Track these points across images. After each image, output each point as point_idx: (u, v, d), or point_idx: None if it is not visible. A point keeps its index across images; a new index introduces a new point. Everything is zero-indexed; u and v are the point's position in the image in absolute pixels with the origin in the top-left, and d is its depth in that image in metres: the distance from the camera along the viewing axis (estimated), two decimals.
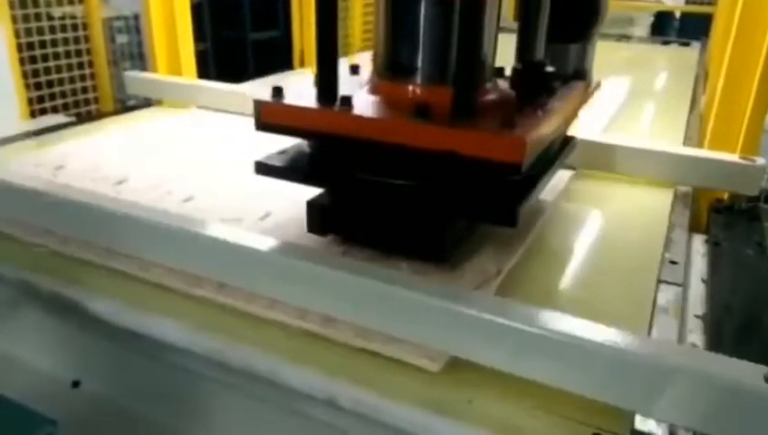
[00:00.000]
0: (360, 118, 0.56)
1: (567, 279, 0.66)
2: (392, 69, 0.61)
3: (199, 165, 0.90)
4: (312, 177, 0.63)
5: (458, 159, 0.52)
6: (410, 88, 0.60)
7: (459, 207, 0.58)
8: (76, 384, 0.65)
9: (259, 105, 0.61)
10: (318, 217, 0.65)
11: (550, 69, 0.61)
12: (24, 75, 1.18)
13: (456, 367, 0.50)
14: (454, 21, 0.56)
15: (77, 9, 1.52)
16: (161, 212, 0.66)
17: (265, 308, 0.57)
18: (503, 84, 0.64)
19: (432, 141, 0.53)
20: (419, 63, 0.59)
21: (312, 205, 0.65)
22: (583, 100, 0.72)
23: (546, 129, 0.57)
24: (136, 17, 1.85)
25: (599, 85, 0.79)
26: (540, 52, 0.62)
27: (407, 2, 0.58)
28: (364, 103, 0.59)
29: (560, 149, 0.71)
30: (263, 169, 0.63)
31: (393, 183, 0.58)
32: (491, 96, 0.61)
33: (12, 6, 1.21)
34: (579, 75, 0.73)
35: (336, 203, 0.65)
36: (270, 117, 0.60)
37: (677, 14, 3.31)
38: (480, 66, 0.60)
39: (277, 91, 0.61)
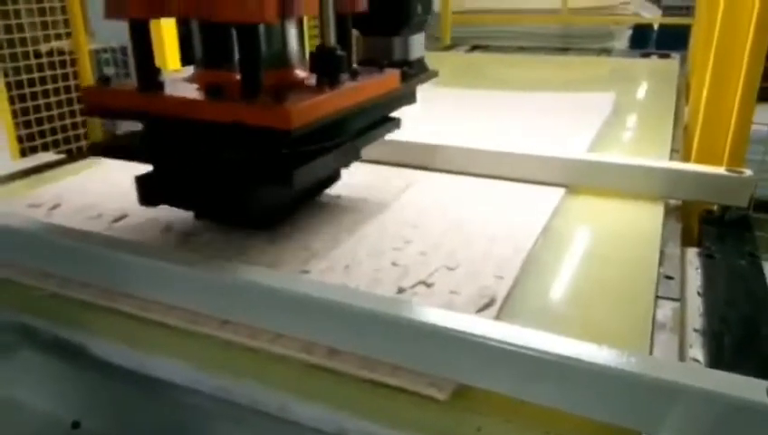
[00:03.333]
0: (163, 97, 0.68)
1: (564, 298, 0.67)
2: (202, 60, 0.73)
3: None
4: (134, 154, 0.73)
5: (245, 130, 0.62)
6: (211, 73, 0.72)
7: (252, 173, 0.68)
8: (76, 425, 0.65)
9: (86, 91, 0.72)
10: (144, 190, 0.75)
11: (340, 53, 0.70)
12: (14, 114, 1.19)
13: (464, 394, 0.51)
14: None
15: (64, 43, 1.52)
16: (160, 250, 0.66)
17: (269, 342, 0.57)
18: (303, 69, 0.75)
19: (220, 115, 0.63)
20: (217, 55, 0.72)
21: (138, 178, 0.75)
22: (399, 85, 0.81)
23: (324, 103, 0.67)
24: (123, 49, 1.85)
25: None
26: (331, 40, 0.70)
27: None
28: (175, 88, 0.70)
29: (369, 127, 0.82)
30: (94, 150, 0.75)
31: (200, 156, 0.69)
32: (286, 78, 0.72)
33: (0, 46, 1.21)
34: (405, 64, 0.85)
35: (159, 176, 0.75)
36: (95, 100, 0.71)
37: (656, 27, 3.37)
38: (274, 54, 0.71)
39: (105, 80, 0.72)
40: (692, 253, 0.82)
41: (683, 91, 1.79)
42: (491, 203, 0.89)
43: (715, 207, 0.92)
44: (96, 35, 1.97)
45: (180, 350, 0.58)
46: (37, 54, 1.35)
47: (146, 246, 0.67)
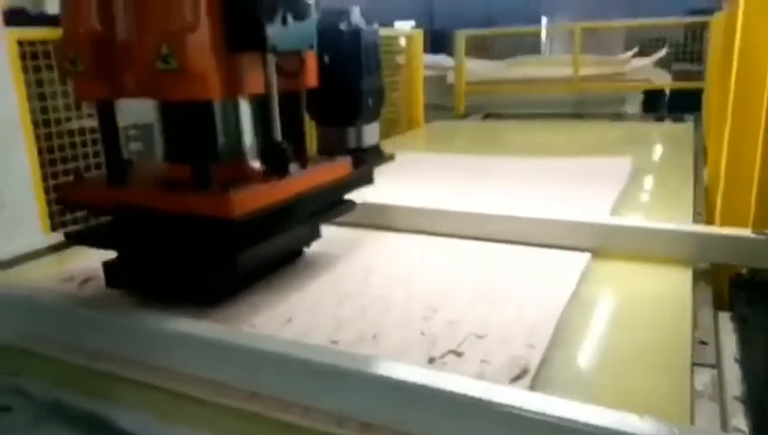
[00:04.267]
0: (125, 190, 0.76)
1: (598, 366, 0.66)
2: (164, 155, 0.80)
3: None
4: (102, 242, 0.80)
5: (197, 218, 0.69)
6: (171, 168, 0.79)
7: (200, 258, 0.74)
8: None
9: (60, 188, 0.82)
10: (109, 274, 0.80)
11: (284, 147, 0.76)
12: (47, 191, 1.23)
13: None
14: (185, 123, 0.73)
15: (94, 121, 1.58)
16: (188, 323, 0.66)
17: (300, 416, 0.56)
18: (254, 162, 0.82)
19: (173, 205, 0.71)
20: (171, 152, 0.79)
21: (105, 265, 0.80)
22: (350, 171, 0.90)
23: (267, 192, 0.74)
24: (149, 127, 1.90)
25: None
26: (278, 134, 0.76)
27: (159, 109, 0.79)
28: (139, 181, 0.78)
29: (321, 211, 0.89)
30: (69, 237, 0.83)
31: (156, 244, 0.76)
32: (241, 171, 0.79)
33: (36, 125, 1.27)
34: (359, 151, 0.96)
35: (123, 262, 0.80)
36: (69, 197, 0.82)
37: (667, 91, 3.43)
38: (230, 150, 0.78)
39: (78, 177, 0.82)
40: (724, 317, 0.80)
41: (700, 154, 1.80)
42: (518, 268, 0.88)
43: (744, 270, 0.91)
44: (123, 113, 2.05)
45: (210, 423, 0.58)
46: (71, 133, 1.42)
47: (175, 320, 0.67)
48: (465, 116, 2.92)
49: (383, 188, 1.11)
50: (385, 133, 2.46)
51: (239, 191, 0.69)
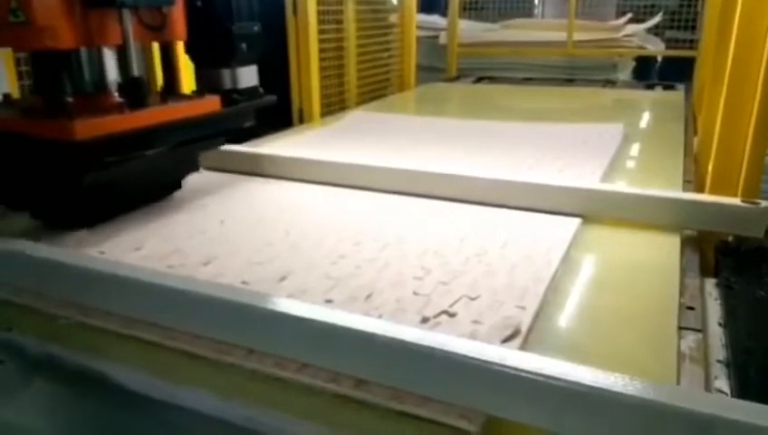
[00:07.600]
0: None
1: (591, 329, 0.67)
2: (33, 87, 0.90)
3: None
4: None
5: (49, 141, 0.76)
6: (37, 99, 0.85)
7: (60, 181, 0.82)
8: None
9: None
10: None
11: (140, 81, 0.84)
12: None
13: (495, 427, 0.50)
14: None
15: None
16: (184, 279, 0.66)
17: (295, 373, 0.57)
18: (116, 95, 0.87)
19: (27, 129, 0.79)
20: (36, 84, 0.87)
21: None
22: (220, 108, 0.98)
23: (115, 121, 0.80)
24: None
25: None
26: (137, 71, 0.84)
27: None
28: (8, 110, 0.85)
29: (187, 142, 0.95)
30: None
31: (19, 166, 0.83)
32: (102, 102, 0.84)
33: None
34: (234, 92, 1.03)
35: None
36: None
37: (659, 59, 3.41)
38: (91, 81, 0.85)
39: None
40: (710, 283, 0.82)
41: (690, 122, 1.80)
42: (510, 232, 0.89)
43: (731, 238, 0.92)
44: None
45: (206, 379, 0.58)
46: None
47: (168, 275, 0.67)
48: (456, 78, 2.90)
49: (367, 151, 1.10)
50: (374, 94, 2.45)
51: (86, 118, 0.77)
